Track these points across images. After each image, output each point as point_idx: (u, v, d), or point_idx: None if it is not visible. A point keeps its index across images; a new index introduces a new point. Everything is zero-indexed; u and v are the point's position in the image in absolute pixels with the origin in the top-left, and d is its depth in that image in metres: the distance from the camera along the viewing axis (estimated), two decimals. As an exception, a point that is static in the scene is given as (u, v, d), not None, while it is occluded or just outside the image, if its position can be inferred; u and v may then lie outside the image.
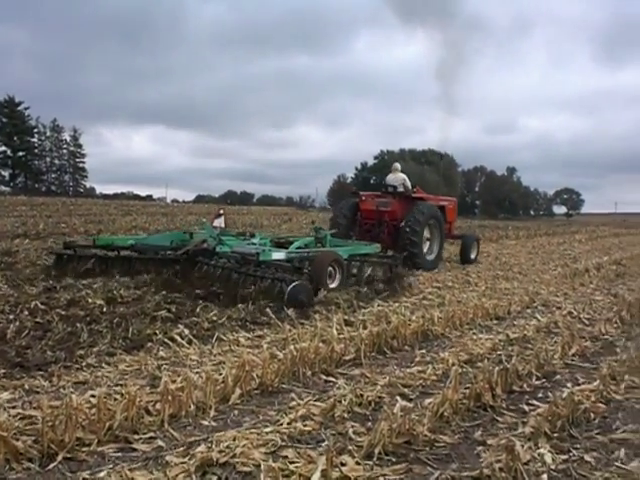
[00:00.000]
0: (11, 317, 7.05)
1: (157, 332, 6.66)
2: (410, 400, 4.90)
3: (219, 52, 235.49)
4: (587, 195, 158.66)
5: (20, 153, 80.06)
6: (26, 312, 7.31)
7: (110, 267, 10.73)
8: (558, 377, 5.85)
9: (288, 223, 33.34)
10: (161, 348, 6.16)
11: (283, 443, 4.01)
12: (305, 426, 4.32)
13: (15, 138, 78.08)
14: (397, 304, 9.10)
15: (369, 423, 4.43)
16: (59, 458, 3.67)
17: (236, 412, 4.62)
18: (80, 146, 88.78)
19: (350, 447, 3.96)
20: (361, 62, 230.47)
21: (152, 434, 4.11)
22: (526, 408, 4.90)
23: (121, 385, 4.89)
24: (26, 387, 4.88)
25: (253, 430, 4.20)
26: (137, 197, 79.00)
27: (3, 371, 5.22)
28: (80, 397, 4.29)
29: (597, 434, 4.43)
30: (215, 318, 7.47)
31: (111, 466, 3.63)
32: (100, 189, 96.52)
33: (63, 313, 7.34)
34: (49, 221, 24.25)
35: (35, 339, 6.22)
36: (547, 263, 17.07)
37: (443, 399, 4.61)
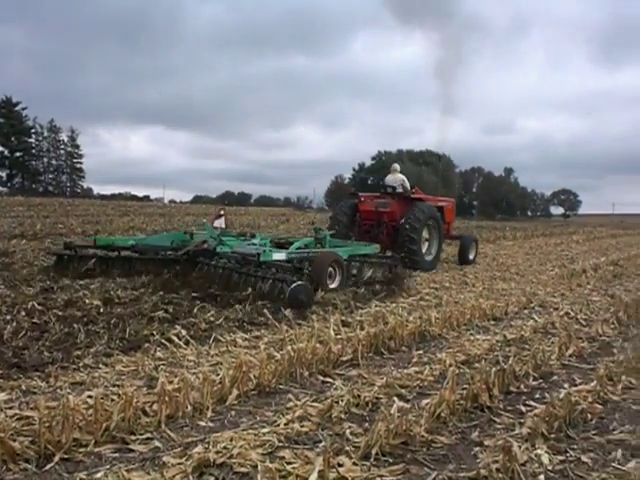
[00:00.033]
0: (8, 318, 7.03)
1: (154, 333, 6.66)
2: (407, 401, 4.91)
3: (217, 52, 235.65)
4: (585, 196, 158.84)
5: (17, 153, 79.93)
6: (23, 313, 7.30)
7: (111, 267, 10.72)
8: (555, 378, 5.85)
9: (286, 224, 33.33)
10: (158, 349, 6.16)
11: (280, 444, 4.01)
12: (302, 427, 4.32)
13: (12, 138, 77.96)
14: (394, 305, 9.11)
15: (366, 424, 4.43)
16: (56, 459, 3.67)
17: (233, 413, 4.62)
18: (77, 146, 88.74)
19: (347, 448, 3.96)
20: (359, 63, 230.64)
21: (149, 435, 4.11)
22: (523, 409, 4.90)
23: (118, 386, 4.88)
24: (23, 388, 4.88)
25: (250, 431, 4.20)
26: (134, 198, 78.80)
27: (0, 372, 5.21)
28: (77, 398, 4.30)
29: (594, 435, 4.44)
30: (212, 319, 7.47)
31: (108, 467, 3.62)
32: (97, 190, 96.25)
33: (60, 314, 7.33)
34: (46, 222, 24.21)
35: (32, 340, 6.22)
36: (544, 264, 17.10)
37: (440, 400, 4.62)
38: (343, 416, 4.58)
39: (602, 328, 7.98)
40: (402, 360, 6.36)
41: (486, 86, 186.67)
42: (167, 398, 4.41)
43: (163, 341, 6.38)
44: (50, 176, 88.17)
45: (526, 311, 9.43)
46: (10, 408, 4.33)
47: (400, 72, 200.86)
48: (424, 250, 14.72)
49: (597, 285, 12.67)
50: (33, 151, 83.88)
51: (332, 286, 9.91)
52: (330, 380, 5.51)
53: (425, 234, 14.81)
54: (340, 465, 3.67)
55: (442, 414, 4.54)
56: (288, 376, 5.45)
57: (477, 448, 4.11)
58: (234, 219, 32.53)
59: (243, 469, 3.63)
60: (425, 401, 4.77)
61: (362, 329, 6.99)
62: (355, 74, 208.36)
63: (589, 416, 4.76)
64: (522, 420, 4.58)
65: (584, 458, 4.01)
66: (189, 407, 4.52)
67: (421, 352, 6.66)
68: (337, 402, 4.76)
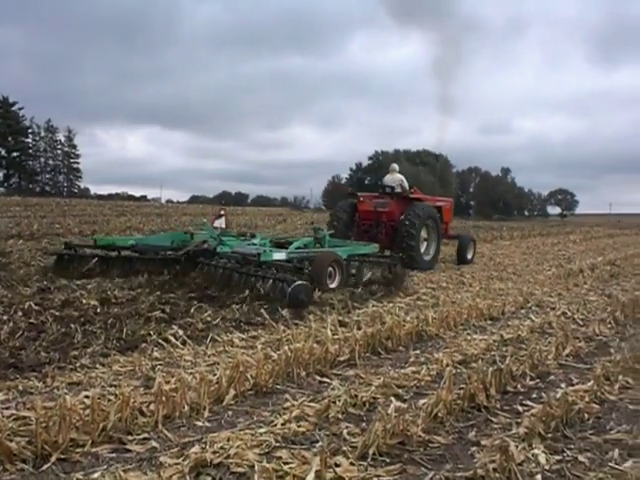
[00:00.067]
0: (5, 318, 7.03)
1: (151, 333, 6.66)
2: (404, 401, 4.90)
3: (214, 52, 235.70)
4: (581, 196, 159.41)
5: (14, 153, 79.85)
6: (20, 313, 7.30)
7: (111, 267, 10.72)
8: (552, 377, 5.85)
9: (283, 224, 33.32)
10: (155, 349, 6.15)
11: (277, 444, 4.01)
12: (299, 427, 4.31)
13: (9, 138, 77.85)
14: (391, 305, 9.12)
15: (363, 424, 4.43)
16: (53, 459, 3.66)
17: (230, 413, 4.62)
18: (74, 146, 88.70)
19: (344, 448, 3.96)
20: (356, 63, 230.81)
21: (146, 435, 4.10)
22: (520, 409, 4.90)
23: (115, 386, 4.88)
24: (20, 388, 4.87)
25: (247, 431, 4.19)
26: (131, 198, 78.79)
27: (-3, 372, 5.21)
28: (74, 398, 4.28)
29: (591, 434, 4.44)
30: (209, 319, 7.47)
31: (105, 467, 3.62)
32: (94, 190, 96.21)
33: (57, 314, 7.32)
34: (43, 222, 24.18)
35: (29, 340, 6.21)
36: (541, 263, 17.11)
37: (437, 400, 4.62)
38: (340, 416, 4.58)
39: (599, 328, 7.99)
40: (399, 360, 6.36)
41: (483, 86, 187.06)
42: (164, 398, 4.40)
43: (160, 341, 6.38)
44: (47, 176, 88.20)
45: (523, 311, 9.44)
46: (7, 408, 4.32)
47: (397, 72, 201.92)
48: (422, 250, 14.77)
49: (594, 285, 12.68)
50: (30, 151, 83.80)
51: (332, 286, 9.95)
52: (327, 380, 5.51)
53: (424, 234, 14.87)
54: (337, 465, 3.67)
55: (439, 414, 4.54)
56: (285, 376, 5.44)
57: (474, 448, 4.11)
58: (231, 219, 32.51)
59: (240, 469, 3.63)
60: (422, 401, 4.77)
61: (359, 329, 7.00)
62: (352, 74, 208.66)
63: (586, 416, 4.76)
64: (519, 420, 4.58)
65: (581, 458, 4.01)
66: (186, 407, 4.52)
67: (418, 352, 6.66)
68: (334, 402, 4.76)
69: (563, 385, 5.43)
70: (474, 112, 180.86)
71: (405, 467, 3.78)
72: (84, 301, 8.09)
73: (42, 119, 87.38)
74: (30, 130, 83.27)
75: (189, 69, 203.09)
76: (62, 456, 3.71)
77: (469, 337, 7.40)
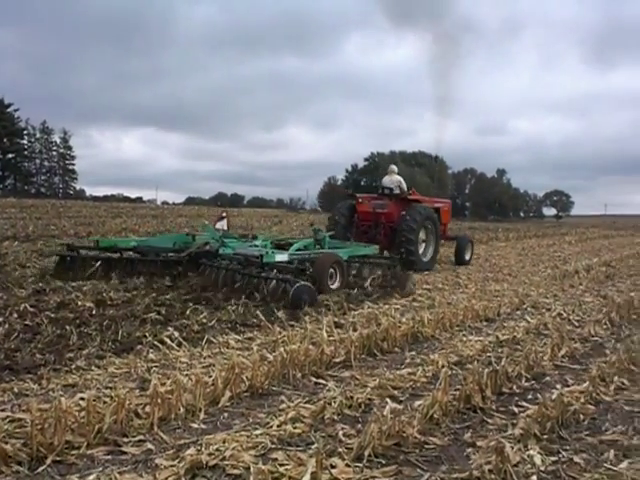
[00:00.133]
0: (0, 320, 7.01)
1: (147, 335, 6.65)
2: (400, 402, 4.91)
3: (210, 54, 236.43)
4: (577, 197, 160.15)
5: (9, 155, 79.77)
6: (15, 315, 7.28)
7: (113, 269, 10.69)
8: (547, 379, 5.86)
9: (278, 225, 33.29)
10: (151, 351, 6.15)
11: (273, 445, 4.01)
12: (295, 428, 4.31)
13: (5, 140, 77.68)
14: (387, 306, 9.13)
15: (359, 425, 4.43)
16: (48, 461, 3.66)
17: (226, 415, 4.62)
18: (70, 148, 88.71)
19: (340, 449, 3.96)
20: (352, 64, 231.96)
21: (141, 437, 4.10)
22: (516, 410, 4.91)
23: (110, 388, 4.87)
24: (15, 390, 4.86)
25: (243, 433, 4.19)
26: (127, 199, 78.82)
27: (-8, 374, 5.20)
28: (69, 400, 4.28)
29: (586, 435, 4.45)
30: (205, 320, 7.46)
31: (100, 469, 3.61)
32: (90, 191, 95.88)
33: (52, 316, 7.31)
34: (38, 223, 24.12)
35: (24, 342, 6.20)
36: (537, 265, 17.14)
37: (433, 401, 4.62)
38: (336, 417, 4.58)
39: (594, 329, 8.00)
40: (395, 361, 6.36)
41: (479, 87, 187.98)
42: (159, 400, 4.40)
43: (155, 343, 6.37)
44: (42, 178, 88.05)
45: (519, 312, 9.44)
46: (2, 410, 4.32)
47: (392, 73, 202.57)
48: (421, 251, 14.81)
49: (589, 286, 12.70)
50: (25, 153, 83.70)
51: (333, 287, 10.01)
52: (323, 381, 5.51)
53: (422, 235, 14.92)
54: (333, 467, 3.67)
55: (435, 415, 4.55)
56: (281, 378, 5.44)
57: (470, 449, 4.11)
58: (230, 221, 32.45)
59: (236, 471, 3.63)
60: (418, 402, 4.78)
61: (355, 330, 7.00)
62: (348, 75, 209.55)
63: (581, 417, 4.77)
64: (515, 421, 4.59)
65: (576, 459, 4.01)
66: (181, 409, 4.52)
67: (414, 353, 6.66)
68: (330, 403, 4.76)
69: (559, 386, 5.44)
70: (470, 113, 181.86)
71: (401, 468, 3.78)
72: (79, 303, 8.08)
73: (37, 120, 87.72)
74: (25, 131, 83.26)
75: (185, 70, 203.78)
76: (57, 458, 3.71)
77: (465, 338, 7.41)
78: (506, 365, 5.71)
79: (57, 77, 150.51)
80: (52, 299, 8.35)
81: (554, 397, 4.77)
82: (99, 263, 10.66)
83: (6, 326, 6.69)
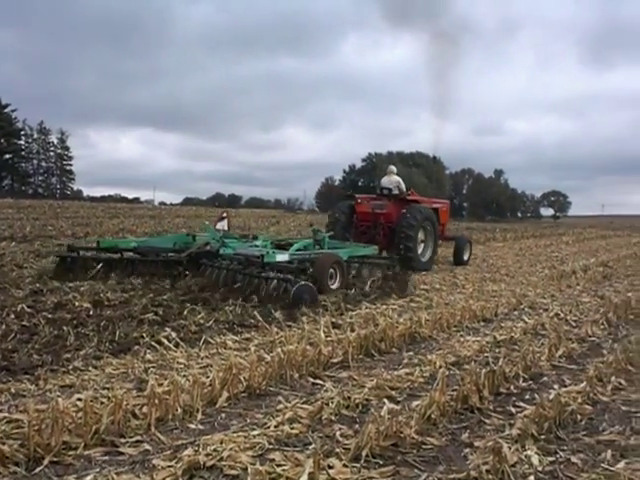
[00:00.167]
0: (-3, 320, 7.00)
1: (144, 335, 6.64)
2: (397, 402, 4.91)
3: (207, 54, 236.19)
4: (574, 197, 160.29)
5: (7, 155, 79.63)
6: (12, 315, 7.27)
7: (113, 269, 10.69)
8: (545, 379, 5.86)
9: (276, 225, 33.27)
10: (148, 351, 6.14)
11: (270, 446, 4.00)
12: (292, 429, 4.31)
13: (2, 140, 77.60)
14: (385, 307, 9.13)
15: (356, 426, 4.43)
16: (45, 462, 3.65)
17: (223, 415, 4.62)
18: (67, 148, 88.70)
19: (337, 450, 3.95)
20: (349, 65, 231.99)
21: (139, 438, 4.09)
22: (513, 410, 4.91)
23: (108, 388, 4.87)
24: (12, 391, 4.85)
25: (240, 433, 4.19)
26: (124, 200, 78.77)
27: (-11, 375, 5.19)
28: (66, 401, 4.28)
29: (584, 436, 4.45)
30: (202, 321, 7.46)
31: (97, 470, 3.61)
32: (87, 192, 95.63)
33: (50, 316, 7.30)
34: (36, 224, 24.09)
35: (21, 342, 6.19)
36: (534, 265, 17.15)
37: (430, 401, 4.62)
38: (333, 418, 4.58)
39: (592, 329, 8.01)
40: (392, 362, 6.36)
41: (476, 88, 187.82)
42: (157, 401, 4.39)
43: (153, 343, 6.36)
44: (40, 178, 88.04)
45: (516, 312, 9.45)
46: (-1, 411, 4.31)
47: (389, 74, 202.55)
48: (420, 251, 14.85)
49: (587, 286, 12.71)
50: (22, 153, 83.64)
51: (333, 287, 10.05)
52: (320, 382, 5.51)
53: (421, 235, 14.96)
54: (330, 467, 3.67)
55: (432, 415, 4.55)
56: (278, 378, 5.44)
57: (467, 449, 4.12)
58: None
59: (233, 472, 3.62)
60: (415, 403, 4.78)
61: (352, 331, 6.99)
62: (345, 76, 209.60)
63: (579, 417, 4.77)
64: (512, 421, 4.59)
65: (574, 459, 4.02)
66: (179, 410, 4.51)
67: (411, 354, 6.67)
68: (327, 404, 4.76)
69: (556, 386, 5.44)
70: (467, 113, 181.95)
71: (398, 469, 3.78)
72: (77, 303, 8.06)
73: (35, 121, 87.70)
74: (23, 132, 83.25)
75: (182, 70, 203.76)
76: (55, 459, 3.70)
77: (462, 339, 7.41)
78: (503, 365, 5.71)
79: (54, 77, 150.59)
80: (49, 300, 8.33)
81: (551, 397, 4.77)
82: (98, 263, 10.67)
83: (3, 327, 6.68)
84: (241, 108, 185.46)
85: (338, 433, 4.27)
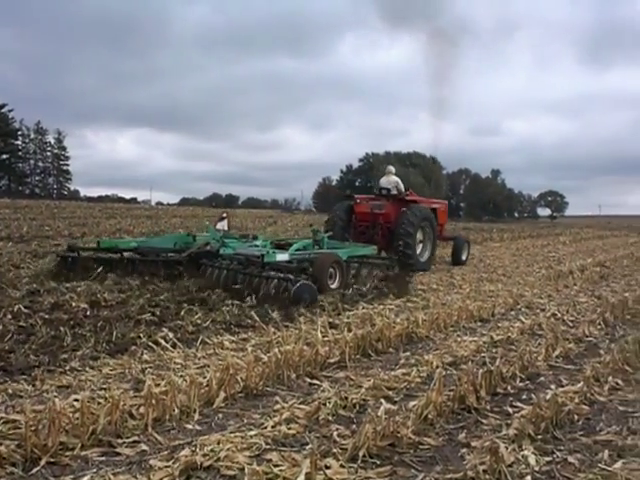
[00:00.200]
0: (-6, 321, 6.99)
1: (141, 336, 6.63)
2: (394, 403, 4.91)
3: (204, 54, 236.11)
4: (571, 197, 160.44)
5: (4, 156, 79.62)
6: (9, 316, 7.25)
7: (114, 269, 10.69)
8: (542, 379, 5.87)
9: (273, 226, 33.26)
10: (145, 352, 6.14)
11: (267, 446, 4.00)
12: (289, 429, 4.31)
13: (-1, 140, 77.60)
14: (382, 307, 9.13)
15: (353, 426, 4.43)
16: (42, 462, 3.65)
17: (220, 416, 4.61)
18: (64, 149, 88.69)
19: (334, 450, 3.96)
20: (346, 65, 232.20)
21: (136, 438, 4.09)
22: (510, 410, 4.92)
23: (105, 389, 4.87)
24: (9, 391, 4.85)
25: (237, 433, 4.19)
26: (121, 200, 78.74)
27: (-15, 375, 5.18)
28: (63, 401, 4.27)
29: (581, 436, 4.45)
30: (199, 321, 7.45)
31: (95, 470, 3.61)
32: (84, 192, 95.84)
33: (47, 317, 7.29)
34: (33, 224, 24.07)
35: (18, 343, 6.18)
36: (531, 265, 17.15)
37: (427, 401, 4.62)
38: (330, 418, 4.58)
39: (589, 329, 8.02)
40: (389, 362, 6.36)
41: (473, 88, 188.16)
42: (154, 401, 4.39)
43: (150, 344, 6.36)
44: (37, 178, 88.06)
45: (513, 312, 9.46)
46: (-4, 412, 4.31)
47: (387, 74, 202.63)
48: (418, 251, 14.85)
49: (584, 286, 12.72)
50: (20, 153, 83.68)
51: (333, 286, 10.09)
52: (317, 382, 5.51)
53: (419, 236, 14.97)
54: (327, 467, 3.67)
55: (429, 416, 4.55)
56: (275, 378, 5.44)
57: (464, 449, 4.12)
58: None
59: (230, 472, 3.62)
60: (412, 403, 4.78)
61: (349, 331, 6.99)
62: (342, 76, 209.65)
63: (576, 417, 4.78)
64: (509, 421, 4.59)
65: (571, 459, 4.02)
66: (176, 410, 4.51)
67: (408, 354, 6.67)
68: (324, 404, 4.76)
69: (553, 386, 5.43)
70: (464, 114, 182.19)
71: (395, 469, 3.79)
72: (74, 304, 8.05)
73: (32, 121, 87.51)
74: (20, 132, 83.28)
75: (179, 71, 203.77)
76: (52, 459, 3.70)
77: (459, 339, 7.42)
78: (500, 365, 5.71)
79: (51, 77, 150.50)
80: (46, 300, 8.32)
81: (548, 397, 4.78)
82: (98, 263, 10.67)
83: (0, 327, 6.67)
84: (238, 108, 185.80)
85: (335, 433, 4.26)
